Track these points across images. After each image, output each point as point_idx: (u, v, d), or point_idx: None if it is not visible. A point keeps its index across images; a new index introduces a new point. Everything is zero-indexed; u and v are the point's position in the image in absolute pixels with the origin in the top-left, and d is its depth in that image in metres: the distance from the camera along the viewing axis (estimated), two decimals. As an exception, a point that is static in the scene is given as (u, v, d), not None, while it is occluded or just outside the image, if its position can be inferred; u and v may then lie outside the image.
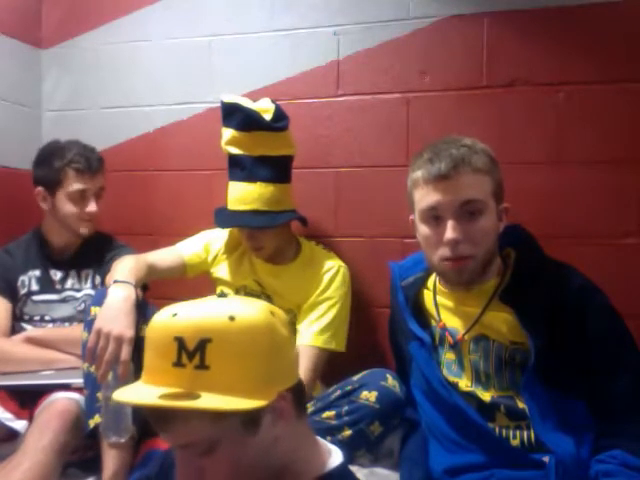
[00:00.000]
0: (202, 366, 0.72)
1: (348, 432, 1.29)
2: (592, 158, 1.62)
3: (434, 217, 1.12)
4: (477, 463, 1.08)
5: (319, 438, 0.88)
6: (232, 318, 0.75)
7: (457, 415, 1.12)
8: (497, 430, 1.09)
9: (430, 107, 1.75)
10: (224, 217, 1.59)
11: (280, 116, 1.58)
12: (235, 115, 1.57)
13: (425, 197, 1.12)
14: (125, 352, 1.21)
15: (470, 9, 1.71)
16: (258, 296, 1.59)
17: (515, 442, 1.08)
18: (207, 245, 1.68)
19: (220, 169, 1.82)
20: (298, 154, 1.72)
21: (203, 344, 0.73)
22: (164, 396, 0.71)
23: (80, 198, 1.64)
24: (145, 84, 2.03)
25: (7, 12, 2.00)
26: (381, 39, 1.79)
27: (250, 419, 0.75)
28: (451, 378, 1.17)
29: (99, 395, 1.27)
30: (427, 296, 1.27)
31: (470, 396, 1.14)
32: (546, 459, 1.03)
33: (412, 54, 1.76)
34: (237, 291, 1.63)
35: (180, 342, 0.73)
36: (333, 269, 1.60)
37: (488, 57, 1.70)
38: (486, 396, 1.12)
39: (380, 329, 1.70)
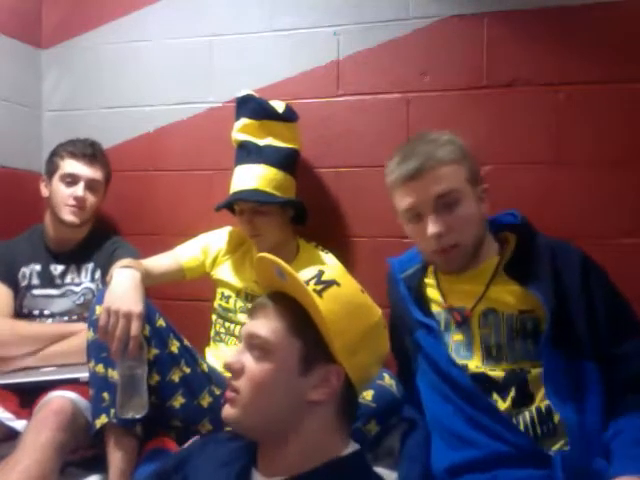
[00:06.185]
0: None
1: None
2: (592, 158, 1.62)
3: (415, 215, 1.16)
4: (480, 458, 1.06)
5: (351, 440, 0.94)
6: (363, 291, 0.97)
7: (466, 398, 1.11)
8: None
9: (430, 107, 1.75)
10: (225, 200, 1.63)
11: (290, 111, 1.69)
12: (248, 104, 1.66)
13: (402, 199, 1.17)
14: (135, 327, 1.23)
15: (470, 9, 1.71)
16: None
17: (520, 428, 1.07)
18: (205, 248, 1.68)
19: (220, 169, 1.83)
20: (299, 154, 1.73)
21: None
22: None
23: (71, 182, 1.70)
24: (145, 84, 2.03)
25: (7, 12, 2.00)
26: (381, 39, 1.79)
27: (308, 357, 0.88)
28: (460, 361, 1.16)
29: (105, 395, 1.27)
30: (429, 283, 1.27)
31: (479, 379, 1.13)
32: (551, 453, 1.02)
33: (412, 54, 1.77)
34: (238, 293, 1.63)
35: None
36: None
37: (488, 57, 1.70)
38: (498, 372, 1.11)
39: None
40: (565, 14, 1.64)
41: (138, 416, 1.23)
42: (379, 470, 1.32)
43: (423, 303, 1.25)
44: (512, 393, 1.09)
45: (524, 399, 1.08)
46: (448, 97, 1.74)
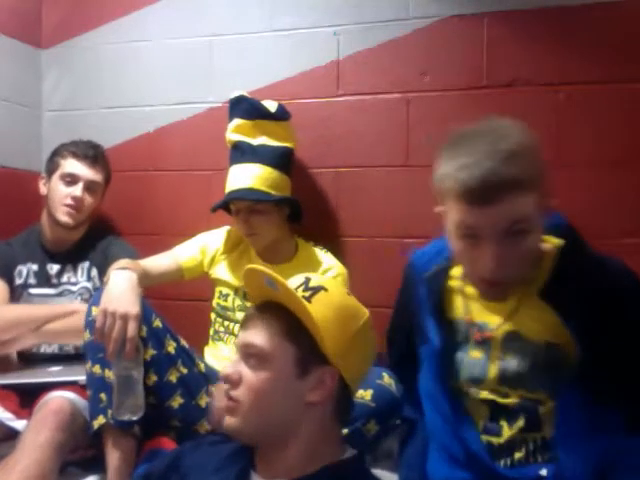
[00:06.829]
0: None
1: (344, 431, 1.29)
2: (592, 158, 1.62)
3: (470, 235, 0.97)
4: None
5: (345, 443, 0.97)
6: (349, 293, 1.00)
7: (460, 434, 1.05)
8: (503, 442, 1.03)
9: (430, 107, 1.75)
10: (221, 200, 1.64)
11: (283, 109, 1.69)
12: (241, 105, 1.67)
13: (459, 213, 0.96)
14: (131, 329, 1.23)
15: (470, 9, 1.71)
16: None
17: (519, 454, 1.02)
18: (203, 248, 1.69)
19: (220, 169, 1.83)
20: (298, 154, 1.73)
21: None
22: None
23: (70, 182, 1.71)
24: (145, 84, 2.03)
25: (7, 12, 2.00)
26: (381, 39, 1.79)
27: (304, 361, 0.89)
28: (471, 385, 1.07)
29: (102, 396, 1.27)
30: (454, 288, 1.13)
31: (488, 403, 1.05)
32: (544, 472, 0.99)
33: (412, 54, 1.76)
34: (236, 291, 1.64)
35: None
36: (334, 269, 1.61)
37: (488, 57, 1.70)
38: (510, 400, 1.03)
39: (379, 329, 1.69)
40: (565, 14, 1.63)
41: (135, 418, 1.23)
42: (379, 472, 1.32)
43: (441, 310, 1.13)
44: (520, 422, 1.02)
45: (532, 427, 1.02)
46: (448, 97, 1.74)
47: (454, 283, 1.13)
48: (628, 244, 1.59)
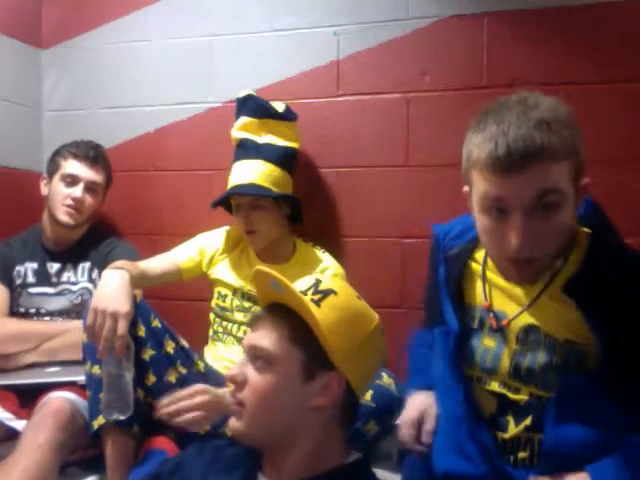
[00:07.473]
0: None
1: None
2: (591, 158, 1.61)
3: (497, 208, 0.91)
4: (476, 475, 0.99)
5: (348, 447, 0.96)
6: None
7: (470, 424, 1.02)
8: (508, 438, 0.99)
9: (430, 107, 1.75)
10: (222, 194, 1.64)
11: (290, 110, 1.71)
12: (248, 103, 1.68)
13: (487, 185, 0.90)
14: (121, 327, 1.23)
15: (470, 9, 1.71)
16: (255, 297, 1.59)
17: (523, 454, 0.97)
18: (202, 248, 1.69)
19: (220, 169, 1.83)
20: (298, 154, 1.73)
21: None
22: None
23: (71, 182, 1.71)
24: (145, 84, 2.03)
25: (7, 12, 2.00)
26: (381, 39, 1.79)
27: (310, 366, 0.88)
28: (483, 373, 1.03)
29: (101, 396, 1.27)
30: (474, 270, 1.08)
31: (497, 396, 1.01)
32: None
33: (412, 54, 1.76)
34: (235, 292, 1.64)
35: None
36: (332, 268, 1.62)
37: (488, 57, 1.70)
38: (521, 396, 0.99)
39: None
40: (565, 14, 1.63)
41: (122, 417, 1.22)
42: (379, 472, 1.32)
43: (460, 293, 1.08)
44: (528, 421, 0.97)
45: (539, 427, 0.96)
46: (448, 97, 1.74)
47: (476, 267, 1.08)
48: (628, 244, 1.58)
